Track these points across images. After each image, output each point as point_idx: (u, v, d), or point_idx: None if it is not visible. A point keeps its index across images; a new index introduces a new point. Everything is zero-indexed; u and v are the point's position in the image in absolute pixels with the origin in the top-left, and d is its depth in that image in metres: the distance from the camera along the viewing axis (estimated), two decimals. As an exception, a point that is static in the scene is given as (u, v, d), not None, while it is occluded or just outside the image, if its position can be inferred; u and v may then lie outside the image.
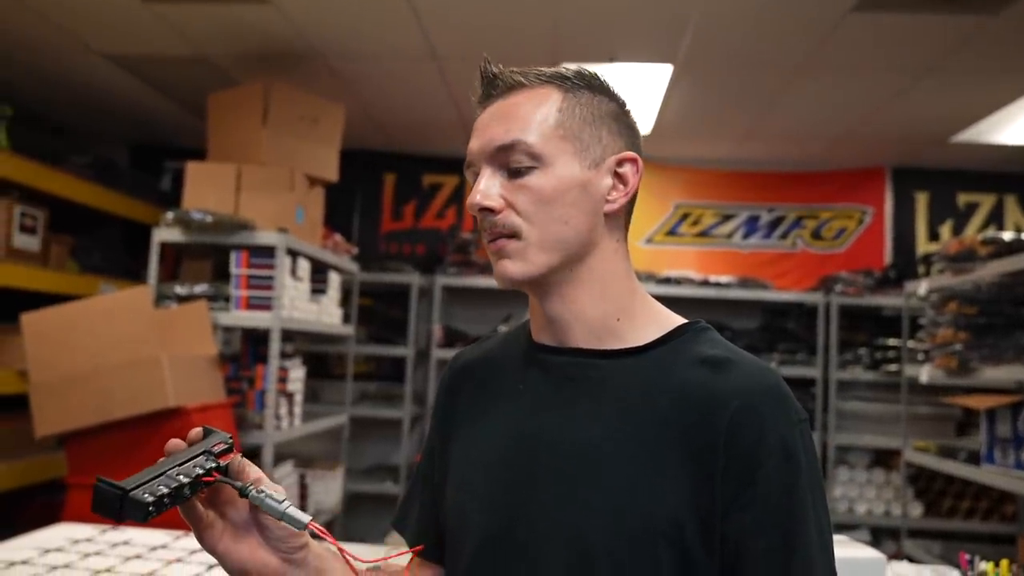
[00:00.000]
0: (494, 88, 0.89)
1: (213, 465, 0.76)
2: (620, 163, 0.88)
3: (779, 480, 0.78)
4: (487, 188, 0.85)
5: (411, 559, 0.97)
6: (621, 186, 0.88)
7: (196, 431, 0.79)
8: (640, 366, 0.86)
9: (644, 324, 0.89)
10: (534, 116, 0.85)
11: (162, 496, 0.70)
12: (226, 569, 0.80)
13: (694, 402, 0.81)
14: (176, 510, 0.76)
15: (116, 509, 0.69)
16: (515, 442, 0.88)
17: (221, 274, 3.28)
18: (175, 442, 0.78)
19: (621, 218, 0.90)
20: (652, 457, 0.80)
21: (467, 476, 0.91)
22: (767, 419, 0.79)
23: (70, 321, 2.61)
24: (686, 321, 0.91)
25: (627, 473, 0.80)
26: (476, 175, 0.88)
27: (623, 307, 0.89)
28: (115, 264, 4.26)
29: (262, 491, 0.76)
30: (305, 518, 0.76)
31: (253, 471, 0.79)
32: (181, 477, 0.73)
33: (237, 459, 0.78)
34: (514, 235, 0.85)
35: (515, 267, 0.85)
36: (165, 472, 0.73)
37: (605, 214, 0.88)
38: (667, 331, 0.89)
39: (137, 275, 4.36)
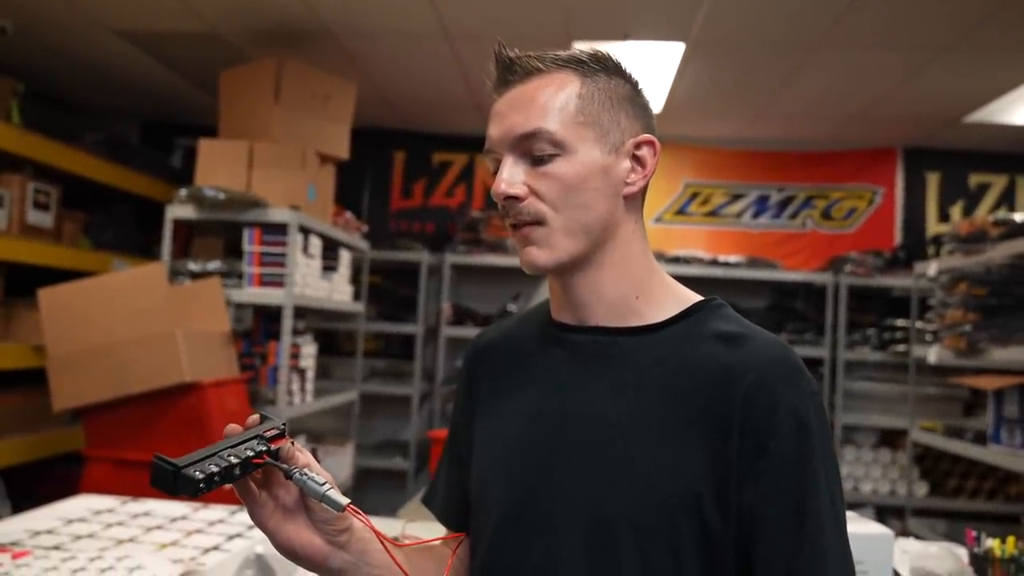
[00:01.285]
0: (511, 73, 0.89)
1: (264, 448, 0.80)
2: (638, 146, 0.90)
3: (792, 450, 0.80)
4: (511, 176, 0.86)
5: (455, 541, 0.99)
6: (639, 168, 0.90)
7: (254, 417, 0.83)
8: (658, 342, 0.88)
9: (662, 302, 0.91)
10: (555, 103, 0.86)
11: (212, 475, 0.75)
12: (275, 546, 0.83)
13: (710, 376, 0.83)
14: (220, 490, 0.80)
15: (170, 484, 0.74)
16: (537, 417, 0.90)
17: (232, 251, 3.30)
18: (233, 426, 0.81)
19: (638, 199, 0.92)
20: (670, 429, 0.83)
21: (491, 451, 0.94)
22: (780, 391, 0.81)
23: (87, 296, 2.64)
24: (702, 298, 0.93)
25: (646, 445, 0.83)
26: (497, 161, 0.89)
27: (642, 286, 0.91)
28: (127, 241, 4.29)
29: (305, 474, 0.80)
30: (344, 501, 0.80)
31: (302, 457, 0.82)
32: (232, 458, 0.77)
33: (287, 446, 0.82)
34: (539, 222, 0.86)
35: (542, 254, 0.87)
36: (218, 452, 0.77)
37: (624, 197, 0.89)
38: (684, 308, 0.91)
39: (149, 252, 4.39)
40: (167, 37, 3.57)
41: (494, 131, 0.89)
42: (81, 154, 3.75)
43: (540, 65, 0.88)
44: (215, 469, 0.75)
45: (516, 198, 0.86)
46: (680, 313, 0.90)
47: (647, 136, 0.90)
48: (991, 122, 4.23)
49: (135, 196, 4.25)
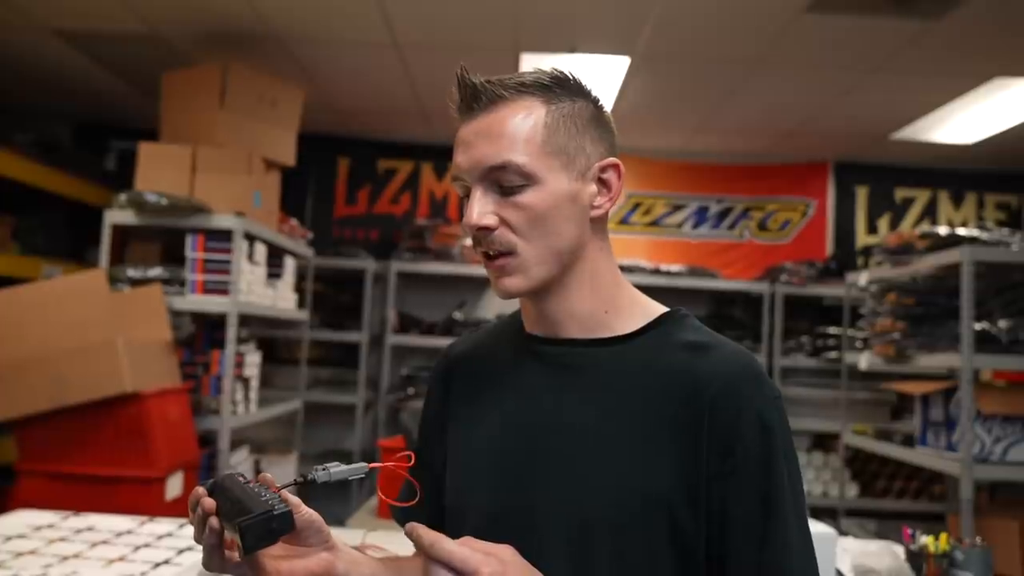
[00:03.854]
0: (476, 102, 0.89)
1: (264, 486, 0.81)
2: (603, 170, 0.92)
3: (757, 451, 0.84)
4: (481, 208, 0.88)
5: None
6: (605, 191, 0.93)
7: (201, 490, 0.82)
8: (629, 352, 0.91)
9: (630, 314, 0.94)
10: (521, 134, 0.87)
11: (285, 508, 0.77)
12: None
13: (679, 383, 0.87)
14: None
15: (269, 531, 0.75)
16: (513, 426, 0.92)
17: (170, 257, 3.22)
18: (208, 501, 0.80)
19: (604, 219, 0.95)
20: (643, 435, 0.86)
21: (466, 460, 0.96)
22: (745, 396, 0.86)
23: (21, 304, 2.54)
24: (668, 310, 0.97)
25: (621, 450, 0.86)
26: (465, 187, 0.91)
27: (610, 300, 0.94)
28: (58, 246, 4.14)
29: (322, 469, 0.83)
30: (364, 464, 0.85)
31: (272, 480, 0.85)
32: (268, 493, 0.78)
33: (266, 477, 0.84)
34: (511, 252, 0.88)
35: (515, 282, 0.89)
36: (253, 496, 0.77)
37: (591, 219, 0.92)
38: (651, 319, 0.94)
39: (81, 257, 4.24)
40: (106, 37, 3.47)
41: (462, 160, 0.89)
42: (10, 155, 3.60)
43: (504, 93, 0.88)
44: (280, 500, 0.77)
45: (487, 228, 0.88)
46: (648, 324, 0.94)
47: (612, 160, 0.93)
48: (916, 139, 4.45)
49: (67, 199, 4.10)
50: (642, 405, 0.87)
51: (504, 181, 0.87)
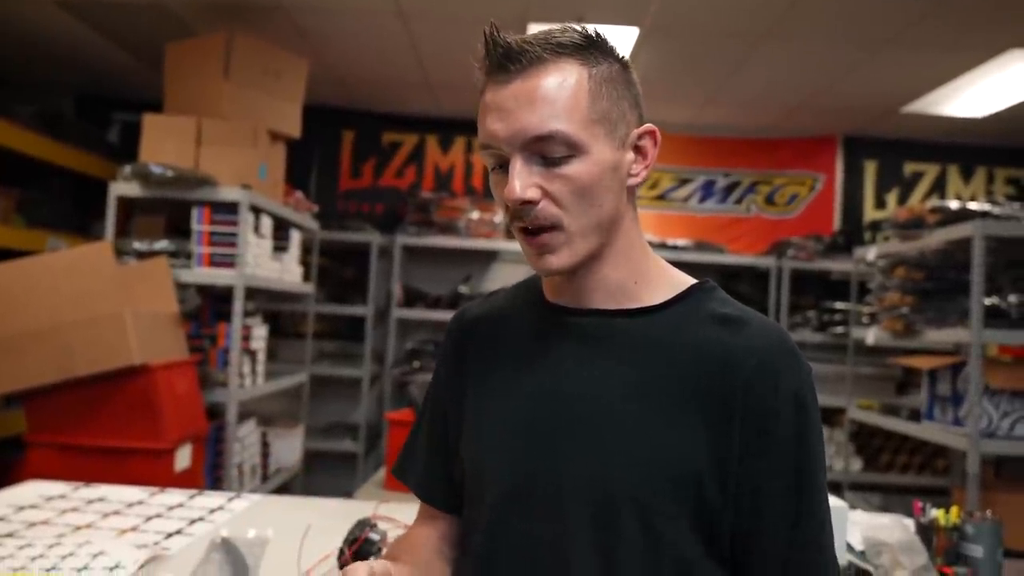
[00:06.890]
0: (512, 62, 0.83)
1: None
2: (640, 136, 0.90)
3: (792, 429, 0.84)
4: (524, 180, 0.84)
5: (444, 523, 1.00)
6: (641, 159, 0.90)
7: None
8: (657, 324, 0.90)
9: (658, 285, 0.93)
10: (567, 101, 0.83)
11: None
12: None
13: (711, 358, 0.85)
14: None
15: None
16: (537, 397, 0.90)
17: (175, 230, 3.21)
18: None
19: (636, 189, 0.92)
20: (671, 408, 0.85)
21: (486, 429, 0.94)
22: (781, 374, 0.84)
23: (28, 277, 2.54)
24: (696, 281, 0.95)
25: (648, 423, 0.85)
26: (497, 157, 0.87)
27: (639, 271, 0.92)
28: (63, 218, 4.12)
29: None
30: None
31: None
32: None
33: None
34: (555, 226, 0.85)
35: (560, 259, 0.86)
36: None
37: (627, 188, 0.90)
38: (679, 291, 0.93)
39: (86, 230, 4.23)
40: (108, 7, 3.42)
41: (499, 129, 0.84)
42: (13, 127, 3.57)
43: (544, 54, 0.83)
44: None
45: (531, 202, 0.84)
46: (676, 296, 0.92)
47: (650, 127, 0.90)
48: (926, 113, 4.40)
49: (71, 172, 4.08)
50: (671, 378, 0.86)
51: (548, 151, 0.83)
